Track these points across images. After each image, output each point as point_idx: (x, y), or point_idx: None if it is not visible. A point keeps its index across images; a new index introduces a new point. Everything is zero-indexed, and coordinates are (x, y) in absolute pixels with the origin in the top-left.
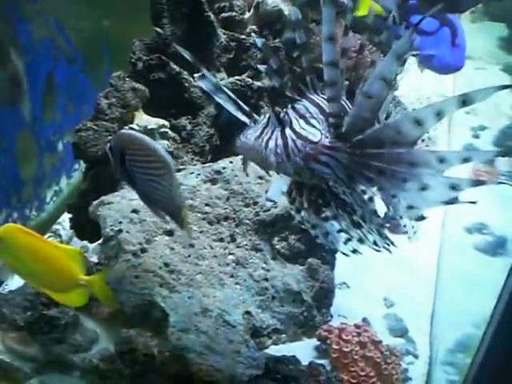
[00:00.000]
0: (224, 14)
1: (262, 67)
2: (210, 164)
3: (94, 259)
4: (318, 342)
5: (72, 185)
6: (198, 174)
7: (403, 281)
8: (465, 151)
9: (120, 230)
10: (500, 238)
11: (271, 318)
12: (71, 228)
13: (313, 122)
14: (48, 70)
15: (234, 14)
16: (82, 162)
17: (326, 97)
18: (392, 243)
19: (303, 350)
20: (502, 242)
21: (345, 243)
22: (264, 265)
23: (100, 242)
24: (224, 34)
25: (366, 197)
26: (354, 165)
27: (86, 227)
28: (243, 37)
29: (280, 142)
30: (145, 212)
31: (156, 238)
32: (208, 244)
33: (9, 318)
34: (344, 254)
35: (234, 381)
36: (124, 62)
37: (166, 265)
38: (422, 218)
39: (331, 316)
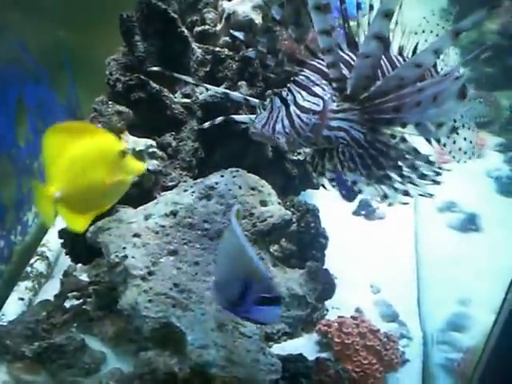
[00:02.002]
0: (197, 28)
1: (251, 53)
2: (202, 180)
3: (84, 277)
4: (319, 337)
5: None
6: (193, 192)
7: (385, 266)
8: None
9: (125, 256)
10: (470, 215)
11: (280, 323)
12: (66, 254)
13: (316, 90)
14: (18, 93)
15: (207, 27)
16: None
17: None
18: (437, 176)
19: (305, 346)
20: (472, 218)
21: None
22: None
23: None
24: (199, 47)
25: (396, 140)
26: (367, 116)
27: (81, 252)
28: (218, 49)
29: (286, 122)
30: (146, 235)
31: (161, 260)
32: (212, 260)
33: (12, 349)
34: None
35: None
36: (87, 74)
37: (176, 285)
38: (454, 129)
39: (327, 310)
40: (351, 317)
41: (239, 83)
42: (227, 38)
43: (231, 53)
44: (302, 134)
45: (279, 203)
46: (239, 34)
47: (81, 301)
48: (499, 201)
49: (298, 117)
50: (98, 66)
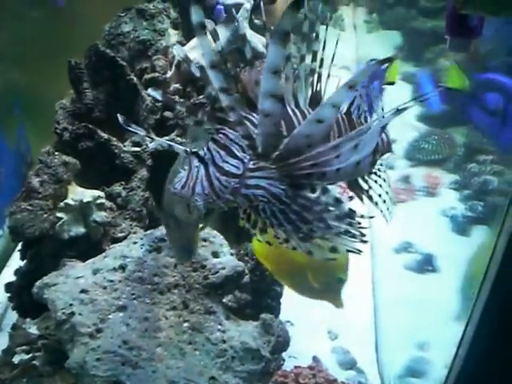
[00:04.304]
0: (147, 76)
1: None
2: (152, 231)
3: (33, 330)
4: None
5: None
6: (142, 245)
7: (342, 311)
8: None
9: (72, 313)
10: (427, 256)
11: (233, 378)
12: (13, 309)
13: (234, 149)
14: None
15: (157, 74)
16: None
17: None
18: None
19: None
20: (428, 258)
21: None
22: (219, 326)
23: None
24: (149, 95)
25: (317, 193)
26: (285, 172)
27: (29, 307)
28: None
29: (206, 183)
30: (94, 291)
31: (110, 316)
32: (162, 315)
33: None
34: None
35: None
36: (38, 117)
37: (125, 342)
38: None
39: (283, 360)
40: (308, 367)
41: None
42: (177, 85)
43: (181, 100)
44: (221, 196)
45: (231, 254)
46: (156, 94)
47: (30, 355)
48: (455, 240)
49: (218, 179)
50: (50, 109)
